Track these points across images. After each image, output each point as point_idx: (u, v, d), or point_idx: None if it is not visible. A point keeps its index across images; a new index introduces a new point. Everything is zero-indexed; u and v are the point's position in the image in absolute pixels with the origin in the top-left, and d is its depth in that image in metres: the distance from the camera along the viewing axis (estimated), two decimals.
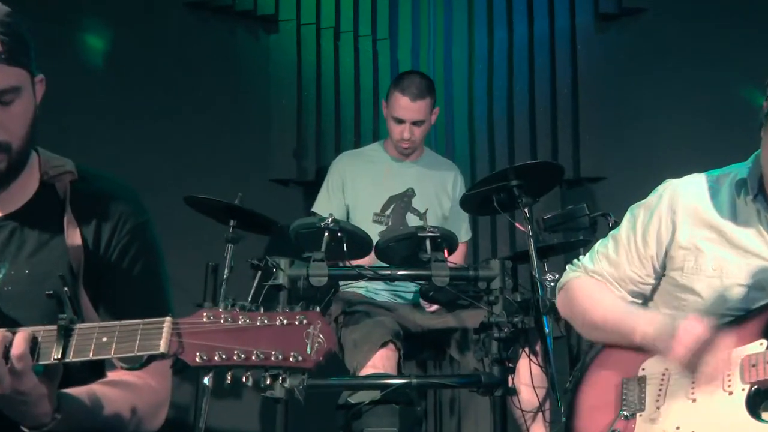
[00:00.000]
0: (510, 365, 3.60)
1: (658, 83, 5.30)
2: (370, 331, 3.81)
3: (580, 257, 2.80)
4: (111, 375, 1.96)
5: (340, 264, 3.81)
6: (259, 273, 3.87)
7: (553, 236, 4.50)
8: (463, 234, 4.65)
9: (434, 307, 4.17)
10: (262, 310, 1.62)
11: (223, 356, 1.57)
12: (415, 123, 4.43)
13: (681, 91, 5.23)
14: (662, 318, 2.42)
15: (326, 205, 4.53)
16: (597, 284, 2.68)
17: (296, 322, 1.60)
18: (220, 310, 1.61)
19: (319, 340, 1.59)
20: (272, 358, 1.57)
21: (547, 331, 3.52)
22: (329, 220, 3.54)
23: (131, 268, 2.00)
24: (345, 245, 3.59)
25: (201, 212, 4.25)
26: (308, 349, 1.58)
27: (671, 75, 5.27)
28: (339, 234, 3.55)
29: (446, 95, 5.46)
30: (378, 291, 4.31)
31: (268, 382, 1.59)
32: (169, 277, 2.09)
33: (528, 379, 3.68)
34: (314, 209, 4.60)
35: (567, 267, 2.82)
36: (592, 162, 5.31)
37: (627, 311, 2.54)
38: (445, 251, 3.65)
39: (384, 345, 3.73)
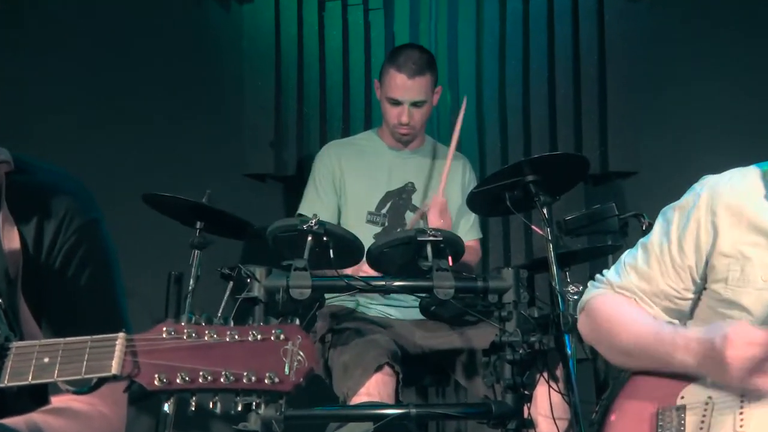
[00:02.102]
0: (526, 393, 3.59)
1: (700, 61, 5.31)
2: (362, 353, 3.80)
3: (605, 271, 2.78)
4: (55, 401, 1.94)
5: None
6: (231, 284, 3.87)
7: (577, 241, 4.50)
8: (471, 228, 4.62)
9: None
10: (232, 323, 1.61)
11: (187, 378, 1.55)
12: (414, 104, 4.43)
13: (728, 70, 5.22)
14: (700, 342, 2.36)
15: (317, 205, 4.49)
16: (625, 301, 2.65)
17: (272, 338, 1.59)
18: (183, 324, 1.60)
19: (299, 358, 1.58)
20: (244, 380, 1.56)
21: (569, 352, 3.52)
22: (313, 221, 3.53)
23: (78, 275, 1.98)
24: (332, 251, 3.58)
25: (162, 212, 4.24)
26: (286, 369, 1.57)
27: (717, 50, 5.28)
28: (324, 238, 3.54)
29: (450, 75, 5.46)
30: (371, 305, 4.31)
31: (239, 409, 1.58)
32: (123, 287, 2.07)
33: (547, 409, 3.67)
34: (301, 211, 4.57)
35: (589, 284, 2.80)
36: (621, 154, 5.31)
37: (660, 334, 2.48)
38: (450, 258, 3.64)
39: (379, 369, 3.71)
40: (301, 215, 4.46)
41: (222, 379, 1.55)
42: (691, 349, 2.37)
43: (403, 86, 4.39)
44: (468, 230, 4.56)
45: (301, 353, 1.58)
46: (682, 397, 2.43)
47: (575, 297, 3.70)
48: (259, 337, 1.59)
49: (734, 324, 2.33)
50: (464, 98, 4.57)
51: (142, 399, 3.58)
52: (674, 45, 5.37)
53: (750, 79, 5.19)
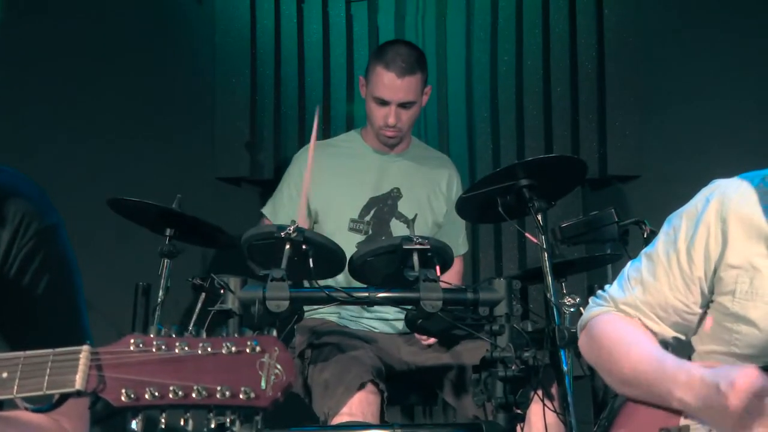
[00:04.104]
0: (519, 412, 3.59)
1: (706, 57, 5.31)
2: (344, 370, 3.80)
3: (606, 287, 2.76)
4: (7, 411, 1.94)
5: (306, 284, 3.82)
6: (203, 295, 3.86)
7: (574, 250, 4.51)
8: (460, 245, 4.65)
9: (432, 340, 4.16)
10: (204, 335, 1.60)
11: (156, 393, 1.55)
12: (402, 105, 4.42)
13: (736, 67, 5.23)
14: (704, 383, 2.33)
15: (279, 207, 4.52)
16: (628, 324, 2.62)
17: (248, 350, 1.58)
18: (152, 335, 1.59)
19: (277, 371, 1.57)
20: (217, 395, 1.55)
21: (565, 369, 3.51)
22: (291, 228, 3.52)
23: (35, 284, 1.98)
24: (311, 260, 3.57)
25: (129, 219, 4.23)
26: (263, 383, 1.56)
27: (724, 47, 5.28)
28: (304, 246, 3.53)
29: (439, 72, 5.46)
30: (354, 318, 4.31)
31: (212, 426, 1.58)
32: (84, 297, 2.07)
33: (541, 429, 3.68)
34: (264, 210, 4.58)
35: (590, 300, 2.77)
36: (621, 157, 5.32)
37: (662, 367, 2.45)
38: (437, 268, 3.63)
39: (362, 387, 3.71)
40: (263, 215, 4.49)
41: (194, 395, 1.55)
42: (693, 387, 2.34)
43: (392, 86, 4.38)
44: (456, 248, 4.54)
45: (279, 366, 1.58)
46: (686, 417, 2.44)
47: (572, 309, 3.70)
48: (233, 349, 1.58)
49: (743, 369, 2.31)
50: (317, 108, 4.52)
51: (108, 418, 3.57)
52: (678, 40, 5.38)
53: (759, 77, 5.20)
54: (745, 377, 2.24)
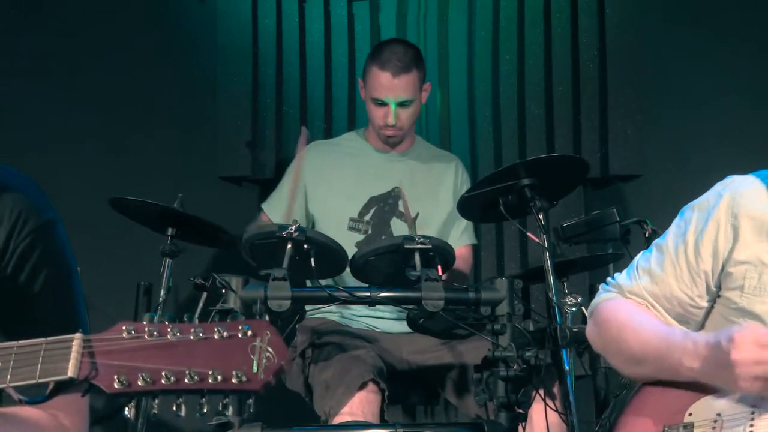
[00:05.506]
0: (520, 411, 3.59)
1: (708, 57, 5.31)
2: (345, 369, 3.79)
3: (616, 275, 2.77)
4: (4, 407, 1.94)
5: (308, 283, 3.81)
6: (205, 295, 3.85)
7: (575, 249, 4.50)
8: (462, 235, 4.60)
9: None
10: (197, 321, 1.61)
11: (148, 379, 1.55)
12: (400, 104, 4.40)
13: (739, 66, 5.22)
14: (708, 345, 2.36)
15: (277, 206, 4.51)
16: (634, 306, 2.64)
17: (239, 334, 1.59)
18: (144, 322, 1.60)
19: (268, 354, 1.57)
20: (210, 380, 1.55)
21: (567, 368, 3.51)
22: (293, 228, 3.51)
23: (32, 281, 1.97)
24: (313, 260, 3.57)
25: (131, 218, 4.23)
26: (254, 367, 1.56)
27: (728, 42, 5.27)
28: (305, 246, 3.53)
29: (441, 72, 5.46)
30: (355, 317, 4.30)
31: (204, 411, 1.57)
32: (82, 294, 2.06)
33: (543, 428, 3.67)
34: (263, 205, 4.56)
35: (600, 287, 2.80)
36: (623, 156, 5.32)
37: (670, 339, 2.47)
38: (439, 268, 3.62)
39: (363, 386, 3.70)
40: (261, 210, 4.49)
41: (186, 380, 1.55)
42: (699, 353, 2.37)
43: (388, 85, 4.35)
44: (459, 236, 4.54)
45: (270, 350, 1.58)
46: (690, 414, 2.44)
47: (573, 309, 3.69)
48: (225, 334, 1.59)
49: (743, 325, 2.33)
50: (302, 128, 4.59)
51: (108, 418, 3.57)
52: (680, 40, 5.38)
53: (760, 77, 5.19)
54: (743, 329, 2.29)
